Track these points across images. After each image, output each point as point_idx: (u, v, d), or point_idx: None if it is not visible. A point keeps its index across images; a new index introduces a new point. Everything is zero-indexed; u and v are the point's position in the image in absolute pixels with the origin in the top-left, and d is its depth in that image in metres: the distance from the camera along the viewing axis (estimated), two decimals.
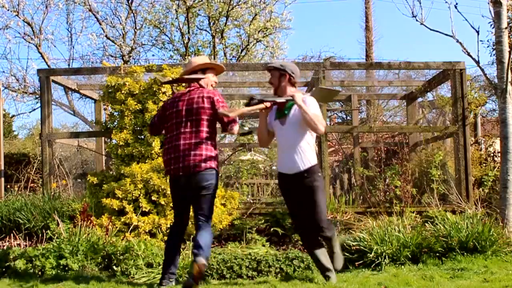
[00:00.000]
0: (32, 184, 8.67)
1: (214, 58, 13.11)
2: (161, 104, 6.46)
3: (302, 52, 19.47)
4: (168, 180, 4.43)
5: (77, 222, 5.30)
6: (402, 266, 4.56)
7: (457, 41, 6.08)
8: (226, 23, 13.00)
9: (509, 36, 6.71)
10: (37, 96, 12.04)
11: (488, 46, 9.81)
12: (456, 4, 6.17)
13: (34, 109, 13.70)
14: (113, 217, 5.75)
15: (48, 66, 11.73)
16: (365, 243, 4.69)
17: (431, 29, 6.30)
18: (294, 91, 4.24)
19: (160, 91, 6.44)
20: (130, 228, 5.60)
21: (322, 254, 4.13)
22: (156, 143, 6.27)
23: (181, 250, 4.98)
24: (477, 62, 6.05)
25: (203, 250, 3.78)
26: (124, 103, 6.47)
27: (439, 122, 9.21)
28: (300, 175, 4.01)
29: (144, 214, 5.81)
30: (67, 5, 12.52)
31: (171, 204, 5.84)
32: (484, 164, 8.08)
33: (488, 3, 5.85)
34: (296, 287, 4.02)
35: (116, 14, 13.14)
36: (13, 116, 17.05)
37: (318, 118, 4.02)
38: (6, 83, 11.86)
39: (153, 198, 5.88)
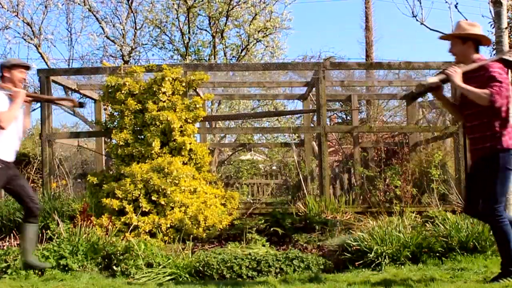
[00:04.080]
0: (32, 184, 8.66)
1: (214, 58, 13.12)
2: (161, 104, 6.47)
3: (302, 52, 19.44)
4: None
5: (77, 222, 5.30)
6: (402, 266, 4.55)
7: None
8: (226, 23, 13.00)
9: (509, 36, 6.70)
10: None
11: (488, 46, 9.79)
12: (456, 4, 6.18)
13: (34, 109, 13.65)
14: (113, 217, 5.75)
15: (48, 66, 11.72)
16: (365, 243, 4.69)
17: (431, 29, 6.31)
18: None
19: (160, 91, 6.44)
20: (130, 228, 5.60)
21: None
22: (156, 143, 6.27)
23: (181, 250, 4.99)
24: None
25: None
26: (124, 103, 6.47)
27: (439, 122, 9.21)
28: None
29: (144, 214, 5.81)
30: (67, 4, 12.52)
31: (171, 204, 5.85)
32: None
33: (488, 3, 5.85)
34: (296, 287, 4.02)
35: (116, 14, 13.15)
36: None
37: None
38: None
39: (153, 198, 5.88)
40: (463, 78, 3.71)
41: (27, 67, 4.40)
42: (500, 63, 3.73)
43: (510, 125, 3.73)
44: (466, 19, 6.01)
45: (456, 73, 3.67)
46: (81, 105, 4.90)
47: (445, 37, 3.96)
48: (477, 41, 3.82)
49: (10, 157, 4.19)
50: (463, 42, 3.81)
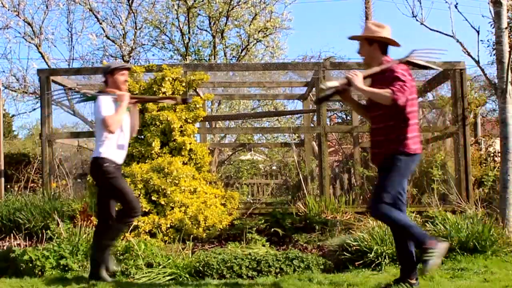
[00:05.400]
0: (32, 184, 8.66)
1: (214, 58, 13.12)
2: (161, 104, 6.47)
3: (302, 52, 19.42)
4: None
5: (77, 222, 5.31)
6: None
7: (457, 41, 6.08)
8: (226, 23, 13.00)
9: (509, 36, 6.70)
10: (37, 96, 12.03)
11: (488, 46, 9.80)
12: (456, 4, 6.17)
13: (34, 109, 13.67)
14: None
15: (48, 66, 11.72)
16: (365, 243, 4.69)
17: (431, 29, 6.29)
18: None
19: (160, 91, 6.44)
20: (130, 228, 5.60)
21: None
22: (156, 143, 6.27)
23: (181, 250, 4.99)
24: (477, 62, 6.05)
25: None
26: None
27: (439, 122, 9.21)
28: None
29: (144, 214, 5.81)
30: (68, 4, 12.52)
31: (171, 204, 5.85)
32: (484, 164, 8.08)
33: (488, 3, 5.85)
34: (296, 287, 4.02)
35: (116, 14, 13.15)
36: (13, 116, 17.04)
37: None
38: (6, 83, 11.85)
39: (153, 198, 5.88)
40: (372, 80, 3.71)
41: (127, 69, 4.44)
42: (405, 65, 3.72)
43: (415, 129, 3.69)
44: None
45: (357, 77, 3.62)
46: (185, 101, 4.88)
47: (353, 38, 3.89)
48: (385, 43, 3.77)
49: (121, 159, 4.30)
50: (370, 44, 3.76)
